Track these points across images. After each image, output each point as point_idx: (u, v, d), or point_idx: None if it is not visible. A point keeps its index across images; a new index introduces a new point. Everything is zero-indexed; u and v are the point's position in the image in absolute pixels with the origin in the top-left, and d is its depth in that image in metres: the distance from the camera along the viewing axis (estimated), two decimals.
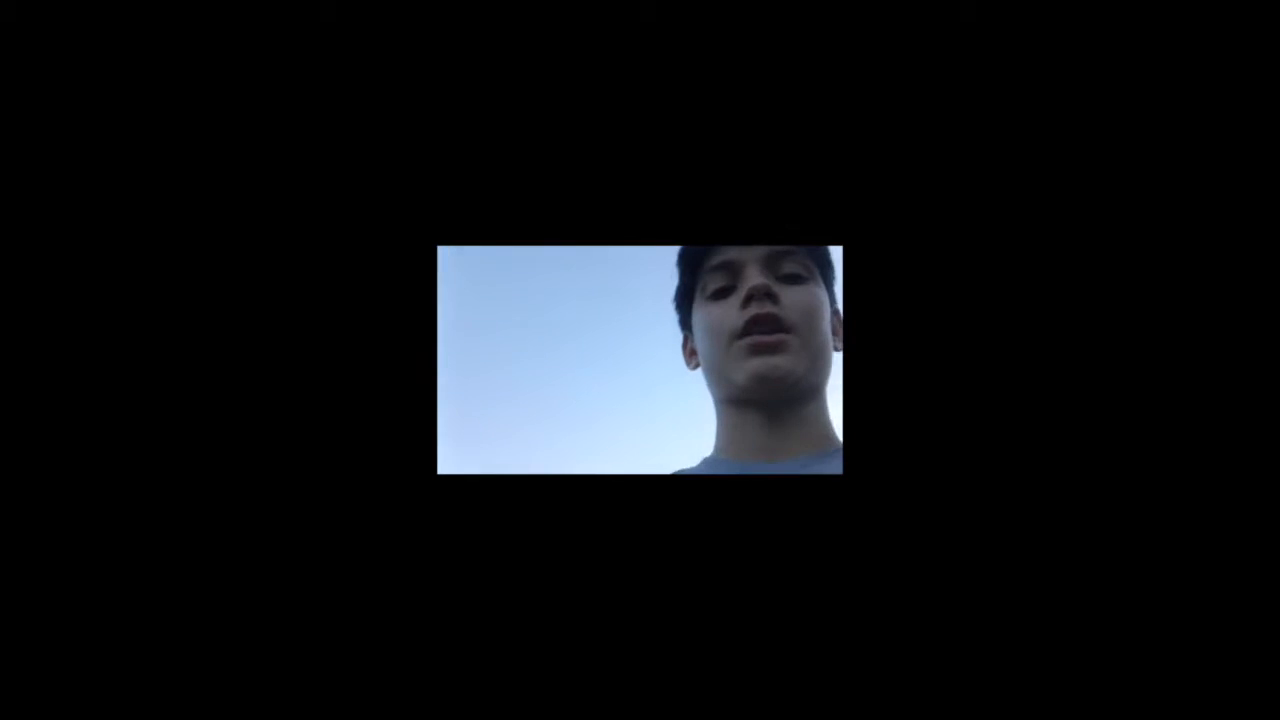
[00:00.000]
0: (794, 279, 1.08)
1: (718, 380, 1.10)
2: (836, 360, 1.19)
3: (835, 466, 1.09)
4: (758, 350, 1.04)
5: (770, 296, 1.05)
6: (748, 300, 1.06)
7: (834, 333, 1.13)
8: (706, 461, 1.14)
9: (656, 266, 1.32)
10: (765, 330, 1.05)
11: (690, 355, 1.17)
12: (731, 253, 1.09)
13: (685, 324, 1.18)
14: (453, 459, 1.35)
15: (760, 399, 1.06)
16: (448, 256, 1.36)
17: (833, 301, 1.14)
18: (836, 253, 1.14)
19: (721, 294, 1.10)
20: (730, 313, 1.07)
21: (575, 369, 1.45)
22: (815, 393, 1.09)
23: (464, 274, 1.39)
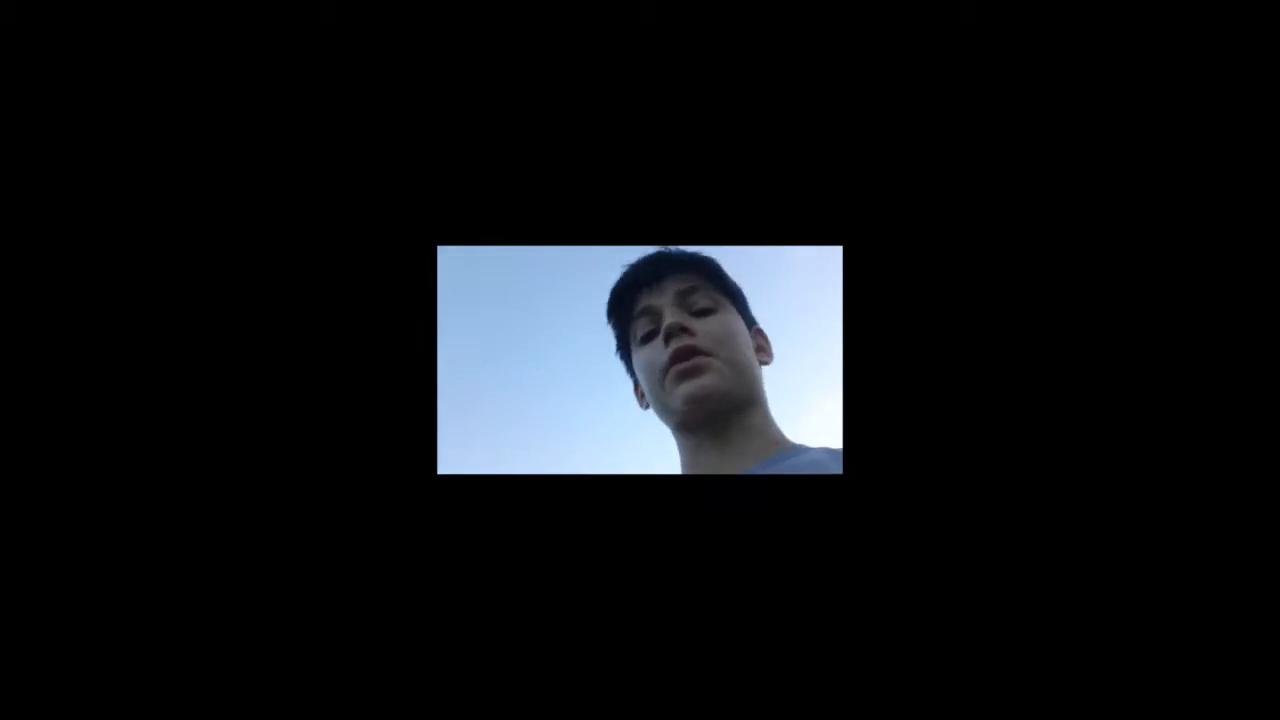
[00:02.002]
0: (705, 312, 1.22)
1: (662, 412, 1.23)
2: (831, 366, 1.29)
3: (791, 466, 1.19)
4: (683, 376, 1.17)
5: (685, 330, 1.19)
6: (667, 338, 1.19)
7: (760, 349, 1.26)
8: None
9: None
10: (685, 358, 1.17)
11: (641, 397, 1.28)
12: (648, 300, 1.23)
13: (631, 371, 1.30)
14: (453, 459, 1.35)
15: (700, 420, 1.19)
16: (448, 256, 1.36)
17: (752, 322, 1.27)
18: (746, 278, 1.28)
19: (648, 338, 1.23)
20: (656, 353, 1.20)
21: (575, 369, 1.46)
22: (749, 404, 1.20)
23: (464, 274, 1.39)
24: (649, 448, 1.36)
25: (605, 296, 1.32)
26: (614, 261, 1.37)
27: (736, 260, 1.38)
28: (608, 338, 1.34)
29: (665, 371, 1.19)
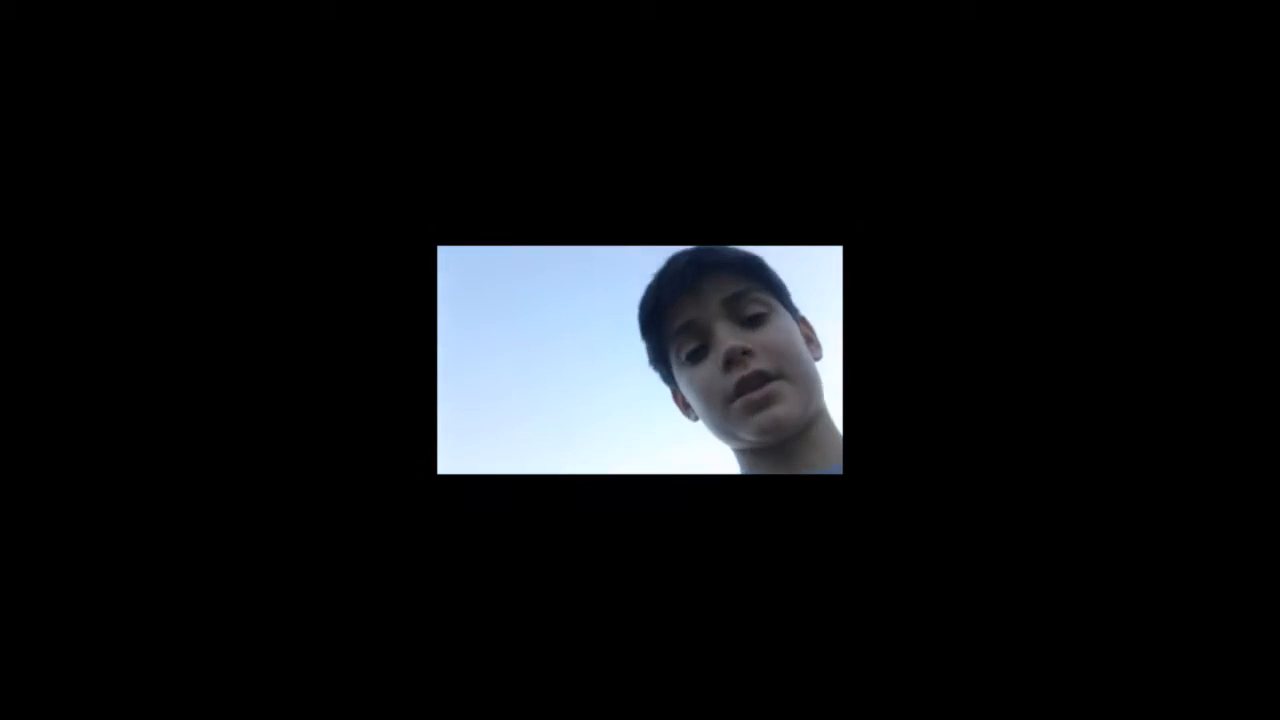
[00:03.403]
0: (757, 320, 1.11)
1: (725, 438, 1.14)
2: (831, 366, 1.23)
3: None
4: (755, 408, 1.07)
5: (748, 354, 1.08)
6: (728, 364, 1.08)
7: (809, 341, 1.15)
8: None
9: (657, 267, 1.32)
10: (755, 387, 1.07)
11: (685, 408, 1.19)
12: (691, 312, 1.11)
13: (668, 380, 1.20)
14: (453, 459, 1.35)
15: (771, 443, 1.10)
16: (448, 256, 1.36)
17: (795, 312, 1.16)
18: (778, 261, 1.17)
19: (696, 356, 1.12)
20: (714, 377, 1.09)
21: (576, 370, 1.45)
22: (819, 416, 1.12)
23: (464, 274, 1.39)
24: (650, 447, 1.36)
25: (605, 296, 1.31)
26: (614, 261, 1.37)
27: None
28: (607, 338, 1.34)
29: (730, 401, 1.09)
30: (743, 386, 1.08)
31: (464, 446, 1.37)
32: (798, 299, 1.26)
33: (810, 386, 1.11)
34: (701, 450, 1.28)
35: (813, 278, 1.41)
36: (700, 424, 1.16)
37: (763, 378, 1.08)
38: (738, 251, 1.16)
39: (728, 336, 1.09)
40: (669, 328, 1.14)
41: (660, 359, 1.19)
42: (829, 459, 1.12)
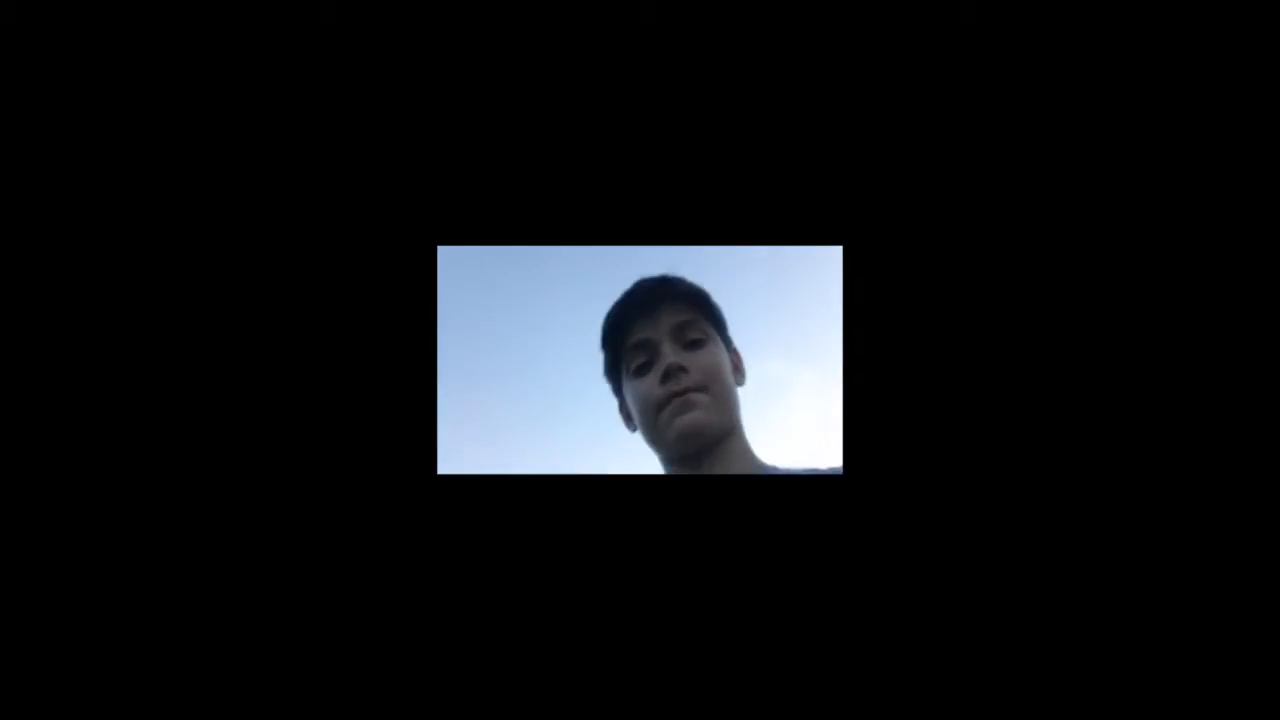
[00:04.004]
0: (697, 344, 1.27)
1: (654, 444, 1.29)
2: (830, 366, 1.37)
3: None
4: (679, 411, 1.24)
5: (682, 370, 1.25)
6: (665, 377, 1.25)
7: (736, 369, 1.31)
8: None
9: (656, 267, 1.32)
10: (682, 396, 1.24)
11: (627, 419, 1.32)
12: (644, 332, 1.27)
13: (618, 393, 1.33)
14: (453, 459, 1.35)
15: (690, 451, 1.25)
16: (448, 256, 1.36)
17: (729, 343, 1.32)
18: (726, 302, 1.33)
19: (642, 370, 1.27)
20: (653, 388, 1.25)
21: (575, 369, 1.45)
22: (732, 432, 1.27)
23: (464, 274, 1.39)
24: (649, 448, 1.36)
25: (605, 295, 1.32)
26: (614, 261, 1.37)
27: (735, 260, 1.39)
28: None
29: (661, 408, 1.25)
30: (673, 396, 1.24)
31: (464, 446, 1.38)
32: (799, 296, 1.28)
33: (727, 403, 1.27)
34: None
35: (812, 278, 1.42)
36: (638, 436, 1.31)
37: (689, 390, 1.24)
38: (691, 286, 1.31)
39: (670, 354, 1.26)
40: (626, 343, 1.29)
41: (613, 370, 1.33)
42: (739, 469, 1.27)
